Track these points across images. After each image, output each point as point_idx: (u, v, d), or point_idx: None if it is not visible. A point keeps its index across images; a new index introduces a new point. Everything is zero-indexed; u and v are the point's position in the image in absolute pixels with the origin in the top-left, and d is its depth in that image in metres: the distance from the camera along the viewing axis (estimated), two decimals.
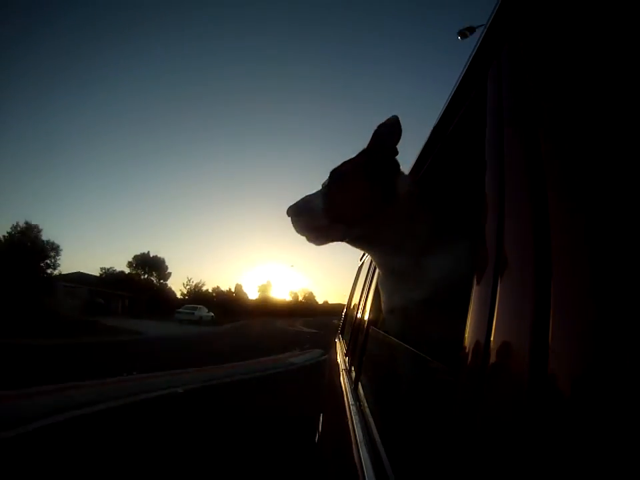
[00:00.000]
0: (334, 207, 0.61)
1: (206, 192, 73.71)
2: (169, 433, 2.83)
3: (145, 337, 11.41)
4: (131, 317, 19.39)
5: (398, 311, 0.66)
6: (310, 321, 32.95)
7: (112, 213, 55.38)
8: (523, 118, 0.32)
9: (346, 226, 0.62)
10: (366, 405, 0.85)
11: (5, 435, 2.58)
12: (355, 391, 1.04)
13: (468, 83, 0.51)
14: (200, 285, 37.99)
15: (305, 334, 17.16)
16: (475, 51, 0.48)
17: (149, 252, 32.54)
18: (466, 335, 0.32)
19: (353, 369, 1.31)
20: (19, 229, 19.52)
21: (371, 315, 1.24)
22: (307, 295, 62.09)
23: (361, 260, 2.28)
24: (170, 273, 33.63)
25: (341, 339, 2.51)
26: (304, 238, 0.65)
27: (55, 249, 20.58)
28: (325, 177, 0.67)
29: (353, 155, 0.68)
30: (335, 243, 0.66)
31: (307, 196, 0.65)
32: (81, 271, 26.54)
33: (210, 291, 39.54)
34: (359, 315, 1.60)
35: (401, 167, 0.67)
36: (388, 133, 0.64)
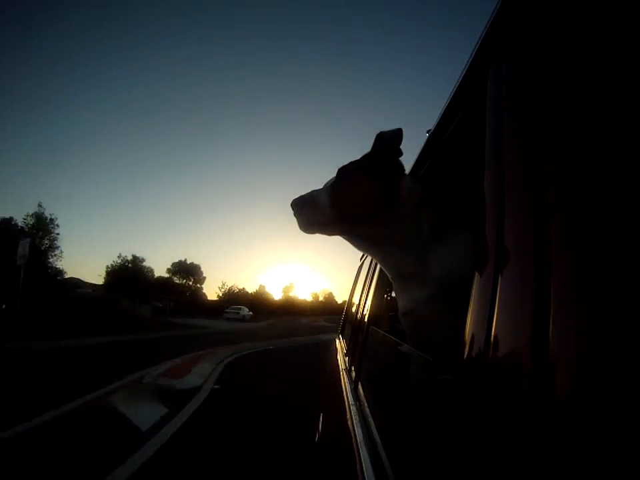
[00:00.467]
0: (339, 203, 0.62)
1: (231, 200, 76.81)
2: (274, 359, 7.47)
3: (213, 330, 15.27)
4: (181, 316, 22.68)
5: (409, 312, 0.66)
6: (330, 317, 35.98)
7: (144, 221, 59.65)
8: (523, 118, 0.32)
9: (349, 224, 0.63)
10: (366, 404, 0.85)
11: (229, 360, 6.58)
12: (355, 390, 1.04)
13: (468, 83, 0.51)
14: (233, 288, 43.84)
15: (326, 326, 21.73)
16: (475, 51, 0.48)
17: (186, 259, 38.04)
18: (466, 334, 0.32)
19: (353, 368, 1.31)
20: (127, 260, 27.91)
21: (370, 315, 1.24)
22: (326, 296, 64.68)
23: (361, 260, 2.28)
24: (204, 278, 39.26)
25: (341, 338, 2.51)
26: (323, 239, 0.66)
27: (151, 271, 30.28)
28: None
29: (361, 155, 0.69)
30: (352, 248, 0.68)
31: (312, 191, 0.65)
32: None
33: (238, 292, 44.26)
34: (358, 315, 1.61)
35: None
36: (391, 137, 0.65)
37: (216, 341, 9.97)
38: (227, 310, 26.55)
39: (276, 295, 54.14)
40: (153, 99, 67.04)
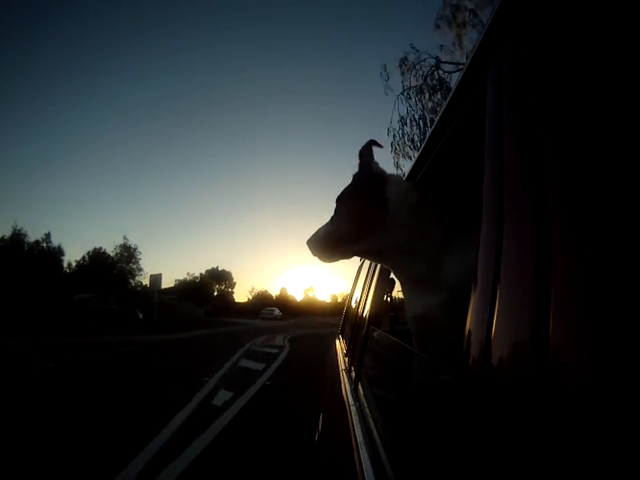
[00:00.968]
0: (340, 228, 0.69)
1: (248, 205, 78.77)
2: (303, 335, 14.41)
3: (259, 325, 21.17)
4: (222, 317, 27.79)
5: (421, 317, 0.67)
6: None
7: (173, 230, 62.79)
8: (523, 118, 0.32)
9: (356, 242, 0.68)
10: (366, 405, 0.85)
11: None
12: (355, 390, 1.04)
13: (467, 83, 0.51)
14: (261, 292, 50.31)
15: (336, 324, 27.03)
16: (474, 51, 0.47)
17: (217, 266, 43.06)
18: (466, 335, 0.32)
19: (352, 368, 1.31)
20: (196, 277, 36.78)
21: (370, 315, 1.24)
22: (345, 297, 64.56)
23: (361, 260, 2.28)
24: (235, 283, 44.74)
25: (341, 338, 2.51)
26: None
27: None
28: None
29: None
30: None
31: (319, 228, 0.74)
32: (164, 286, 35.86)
33: (264, 294, 49.90)
34: (358, 315, 1.60)
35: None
36: (365, 149, 0.71)
37: (268, 331, 15.86)
38: (263, 311, 33.62)
39: (297, 296, 58.32)
40: (187, 111, 69.66)
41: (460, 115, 0.56)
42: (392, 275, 1.05)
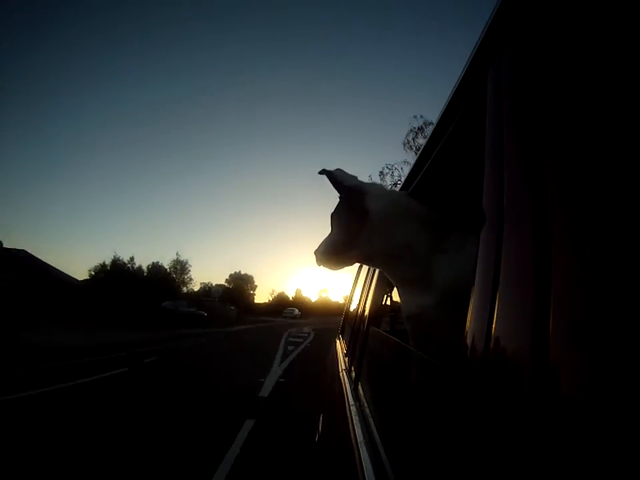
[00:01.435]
0: (335, 238, 0.76)
1: (266, 213, 79.91)
2: (319, 327, 20.47)
3: (279, 322, 26.39)
4: (248, 316, 30.62)
5: (414, 317, 0.69)
6: None
7: (195, 237, 64.94)
8: (523, 118, 0.32)
9: (349, 250, 0.74)
10: (366, 405, 0.85)
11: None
12: (355, 390, 1.04)
13: (467, 83, 0.51)
14: (280, 293, 54.22)
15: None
16: (474, 51, 0.47)
17: (240, 271, 46.80)
18: (466, 335, 0.32)
19: (352, 369, 1.31)
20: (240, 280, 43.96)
21: (370, 315, 1.24)
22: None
23: None
24: (256, 286, 48.31)
25: (341, 338, 2.51)
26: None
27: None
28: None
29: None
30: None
31: (323, 240, 0.81)
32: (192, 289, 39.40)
33: (280, 296, 53.67)
34: (358, 315, 1.60)
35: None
36: (332, 177, 0.77)
37: (295, 326, 20.77)
38: (285, 311, 39.31)
39: (312, 297, 61.65)
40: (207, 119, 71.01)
41: (460, 115, 0.56)
42: None
